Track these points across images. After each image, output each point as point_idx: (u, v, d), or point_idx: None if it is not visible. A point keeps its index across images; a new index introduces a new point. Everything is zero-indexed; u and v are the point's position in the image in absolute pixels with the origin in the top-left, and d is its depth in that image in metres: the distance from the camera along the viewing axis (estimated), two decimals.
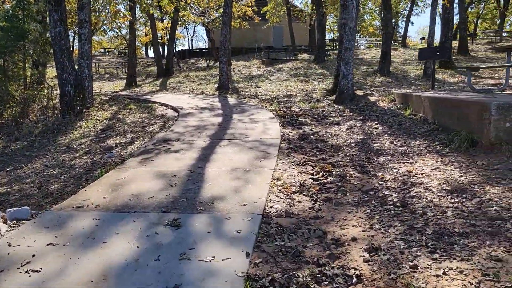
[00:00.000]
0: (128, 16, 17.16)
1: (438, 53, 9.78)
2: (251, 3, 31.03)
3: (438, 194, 4.04)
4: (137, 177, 5.15)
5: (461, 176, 4.40)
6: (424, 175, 4.64)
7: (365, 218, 3.80)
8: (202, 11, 34.23)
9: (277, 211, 3.99)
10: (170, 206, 4.10)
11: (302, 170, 5.43)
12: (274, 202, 4.22)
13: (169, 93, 16.35)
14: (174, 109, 11.42)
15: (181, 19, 24.97)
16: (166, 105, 12.29)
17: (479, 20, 57.17)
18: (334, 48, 36.31)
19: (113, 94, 16.66)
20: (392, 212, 3.83)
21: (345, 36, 10.67)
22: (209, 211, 3.96)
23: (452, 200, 3.83)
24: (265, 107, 11.55)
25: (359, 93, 11.72)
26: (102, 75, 28.66)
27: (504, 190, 3.87)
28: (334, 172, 5.20)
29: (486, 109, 4.92)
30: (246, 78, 20.61)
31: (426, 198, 3.99)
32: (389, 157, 5.62)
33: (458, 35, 21.78)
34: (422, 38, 56.50)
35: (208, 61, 29.64)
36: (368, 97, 11.09)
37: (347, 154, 6.13)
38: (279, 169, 5.36)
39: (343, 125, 8.50)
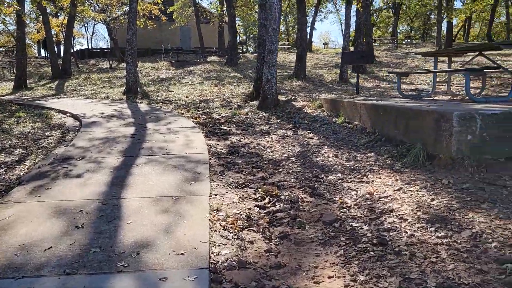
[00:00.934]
0: (16, 6, 14.74)
1: (362, 58, 9.50)
2: (158, 1, 29.42)
3: (417, 225, 3.39)
4: (28, 216, 3.82)
5: (433, 199, 3.81)
6: (389, 198, 3.98)
7: (341, 265, 3.00)
8: (103, 7, 31.76)
9: (227, 261, 3.02)
10: (77, 263, 2.93)
11: (243, 195, 4.51)
12: (220, 245, 3.25)
13: (68, 98, 14.41)
14: (75, 117, 9.82)
15: (79, 15, 22.64)
16: (64, 112, 10.58)
17: (374, 28, 61.20)
18: (244, 51, 36.06)
19: None
20: (372, 253, 3.07)
21: (267, 38, 9.97)
22: (135, 268, 2.87)
23: (439, 234, 3.18)
24: (182, 114, 10.43)
25: (282, 98, 11.13)
26: None
27: (491, 218, 3.32)
28: (282, 197, 4.36)
29: (446, 120, 4.43)
30: (155, 81, 19.16)
31: (406, 232, 3.31)
32: (339, 175, 4.92)
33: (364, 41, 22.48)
34: (325, 44, 58.92)
35: (111, 62, 27.41)
36: (293, 102, 10.52)
37: (290, 171, 5.34)
38: (216, 194, 4.38)
39: (274, 134, 7.74)
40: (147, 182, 4.74)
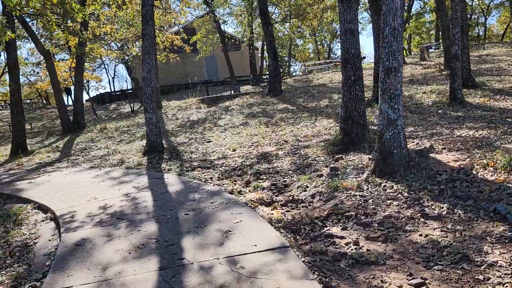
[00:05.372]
0: (10, 34, 10.74)
1: None
2: (180, 31, 25.81)
3: None
4: None
5: None
6: None
7: None
8: (121, 45, 28.42)
9: None
10: None
11: None
12: None
13: (69, 168, 10.29)
14: (58, 222, 5.57)
15: (89, 55, 18.99)
16: (46, 210, 6.37)
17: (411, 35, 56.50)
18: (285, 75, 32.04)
19: None
20: None
21: (383, 46, 5.53)
22: None
23: None
24: (240, 194, 6.03)
25: (409, 146, 6.59)
26: None
27: None
28: None
29: None
30: (185, 125, 15.00)
31: None
32: None
33: None
34: (363, 58, 54.28)
35: (132, 104, 23.70)
36: (432, 155, 5.96)
37: None
38: None
39: (496, 269, 3.17)
40: None
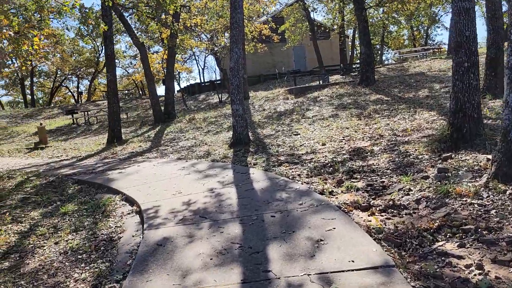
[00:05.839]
0: (103, 26, 11.11)
1: None
2: (268, 20, 25.43)
3: None
4: None
5: None
6: None
7: None
8: (211, 36, 28.91)
9: None
10: None
11: None
12: None
13: (157, 158, 10.43)
14: (142, 216, 5.44)
15: (180, 46, 19.37)
16: (132, 202, 6.33)
17: None
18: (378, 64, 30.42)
19: (68, 167, 10.84)
20: None
21: None
22: None
23: None
24: (331, 195, 5.44)
25: None
26: (90, 126, 23.14)
27: None
28: None
29: None
30: (271, 116, 14.62)
31: None
32: None
33: None
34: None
35: (220, 95, 23.96)
36: None
37: None
38: None
39: None
40: None
